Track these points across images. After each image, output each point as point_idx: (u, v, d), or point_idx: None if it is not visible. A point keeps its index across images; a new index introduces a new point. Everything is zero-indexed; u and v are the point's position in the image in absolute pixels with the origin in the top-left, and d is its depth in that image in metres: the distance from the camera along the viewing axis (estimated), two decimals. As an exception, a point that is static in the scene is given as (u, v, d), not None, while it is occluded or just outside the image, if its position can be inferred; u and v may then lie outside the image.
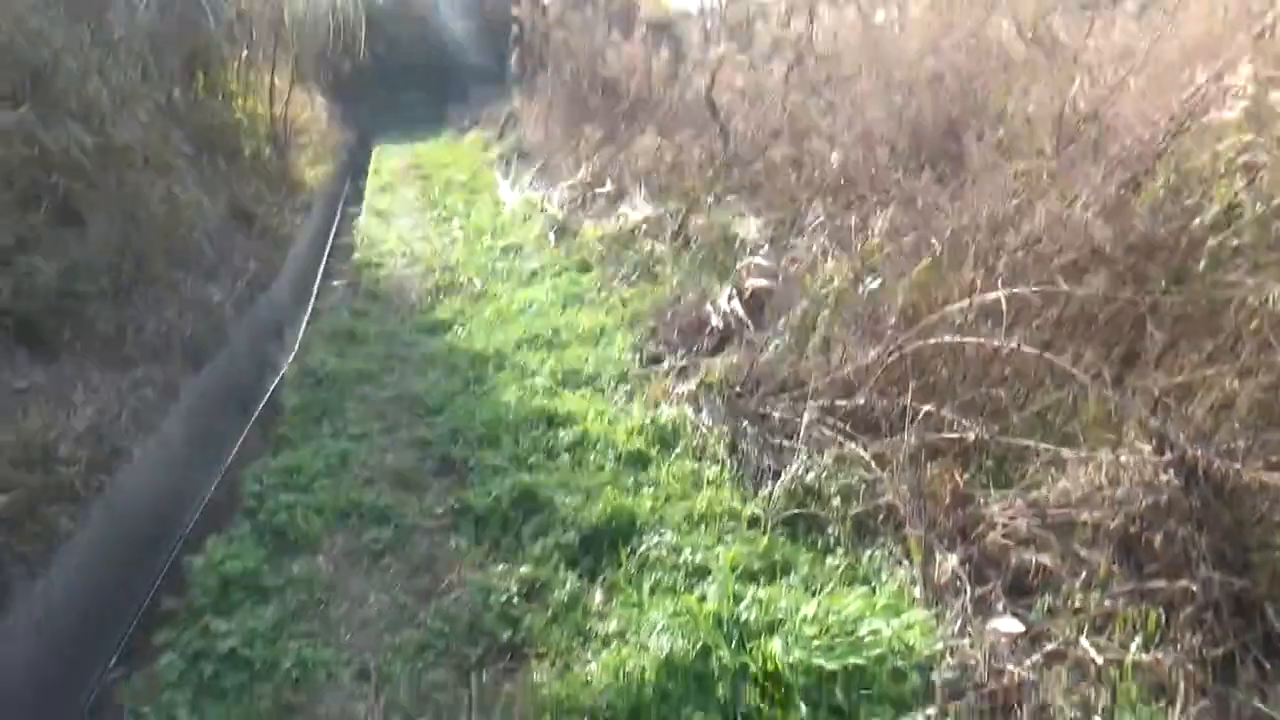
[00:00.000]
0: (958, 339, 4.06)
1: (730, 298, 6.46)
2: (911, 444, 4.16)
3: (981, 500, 3.91)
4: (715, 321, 6.36)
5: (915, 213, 5.11)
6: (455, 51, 22.54)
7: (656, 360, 6.45)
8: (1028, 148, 4.53)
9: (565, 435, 5.43)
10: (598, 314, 7.78)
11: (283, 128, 13.24)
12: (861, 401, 4.66)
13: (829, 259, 5.63)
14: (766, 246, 7.22)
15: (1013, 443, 3.87)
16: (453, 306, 8.26)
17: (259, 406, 6.57)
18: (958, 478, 3.99)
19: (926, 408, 4.18)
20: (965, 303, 4.11)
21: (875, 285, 5.12)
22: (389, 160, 17.15)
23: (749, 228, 7.67)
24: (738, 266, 6.67)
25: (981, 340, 3.88)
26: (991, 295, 4.00)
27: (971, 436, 3.97)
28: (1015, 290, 3.85)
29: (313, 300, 9.58)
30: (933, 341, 4.16)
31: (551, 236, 10.28)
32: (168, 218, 7.55)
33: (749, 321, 6.03)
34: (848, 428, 4.66)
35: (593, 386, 6.35)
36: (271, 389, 6.95)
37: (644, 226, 9.80)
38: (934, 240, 4.63)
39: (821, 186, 7.53)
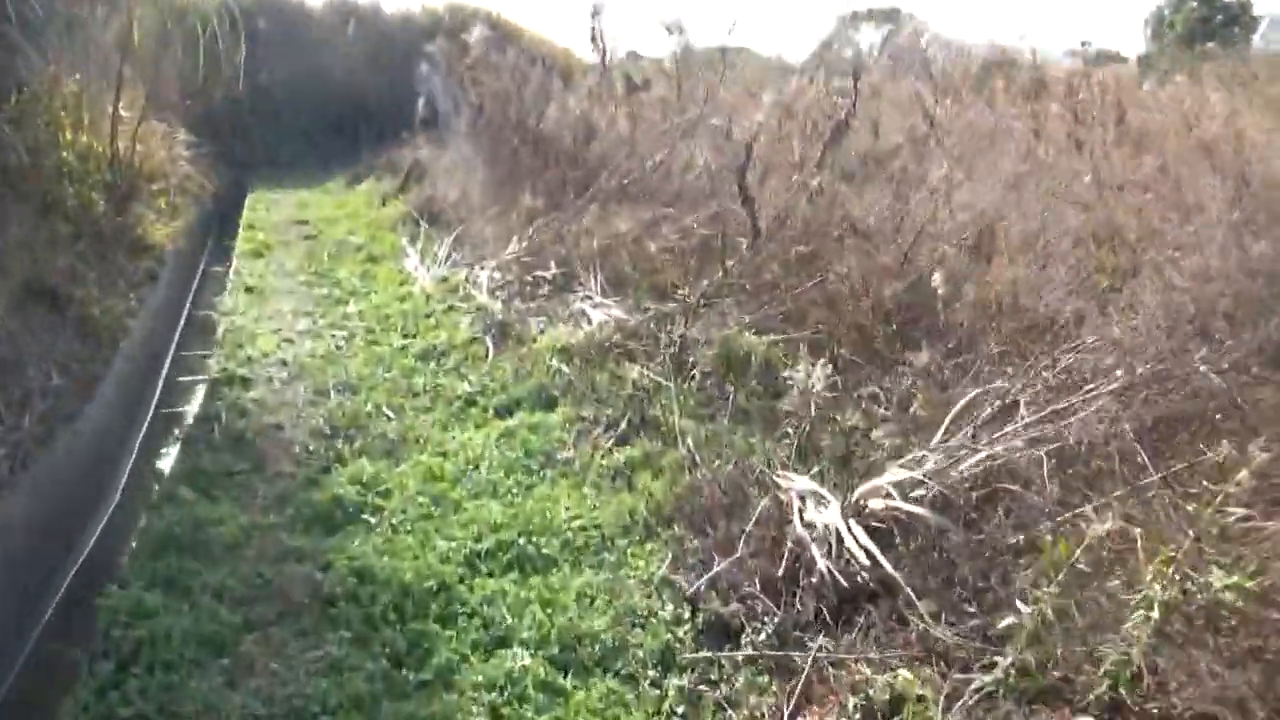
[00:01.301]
0: None
1: (845, 514, 3.82)
2: None
3: None
4: (821, 562, 3.68)
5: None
6: (352, 87, 19.32)
7: (725, 630, 3.71)
8: None
9: None
10: (585, 496, 5.02)
11: (126, 171, 9.96)
12: None
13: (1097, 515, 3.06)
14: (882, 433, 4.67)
15: None
16: (357, 467, 5.30)
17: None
18: None
19: None
20: None
21: (1224, 588, 2.58)
22: (267, 212, 13.89)
23: (812, 374, 5.07)
24: (872, 483, 4.01)
25: None
26: None
27: None
28: None
29: (140, 437, 6.44)
30: None
31: (489, 341, 7.44)
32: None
33: (899, 579, 3.39)
34: None
35: (619, 677, 3.58)
36: (28, 668, 3.89)
37: (615, 336, 7.10)
38: None
39: (953, 329, 5.01)
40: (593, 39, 9.86)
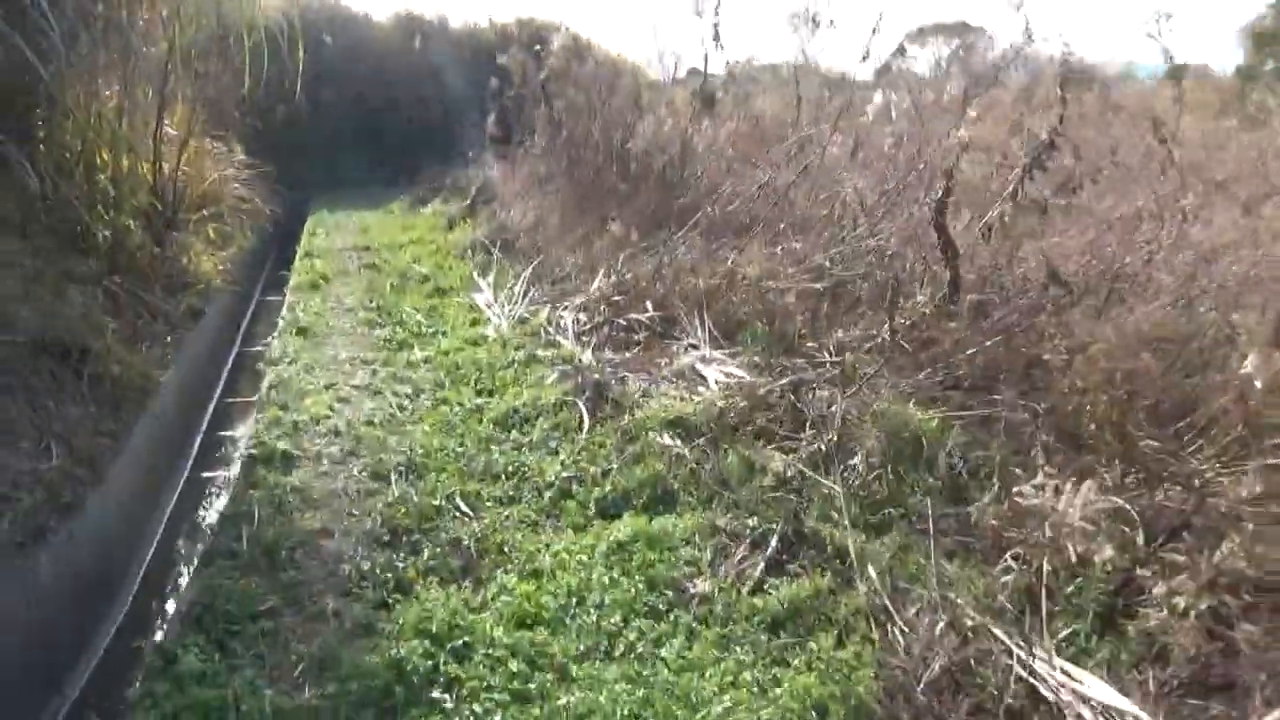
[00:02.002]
0: None
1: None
2: None
3: None
4: None
5: None
6: (418, 104, 18.16)
7: None
8: None
9: None
10: (739, 662, 3.52)
11: (172, 196, 8.77)
12: None
13: None
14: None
15: None
16: (424, 605, 3.87)
17: None
18: None
19: None
20: None
21: None
22: (328, 237, 12.69)
23: (1070, 496, 3.51)
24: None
25: None
26: None
27: None
28: None
29: (160, 529, 5.11)
30: None
31: (583, 406, 5.99)
32: None
33: None
34: None
35: None
36: None
37: (741, 404, 5.61)
38: None
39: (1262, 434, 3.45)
40: (714, 36, 8.34)
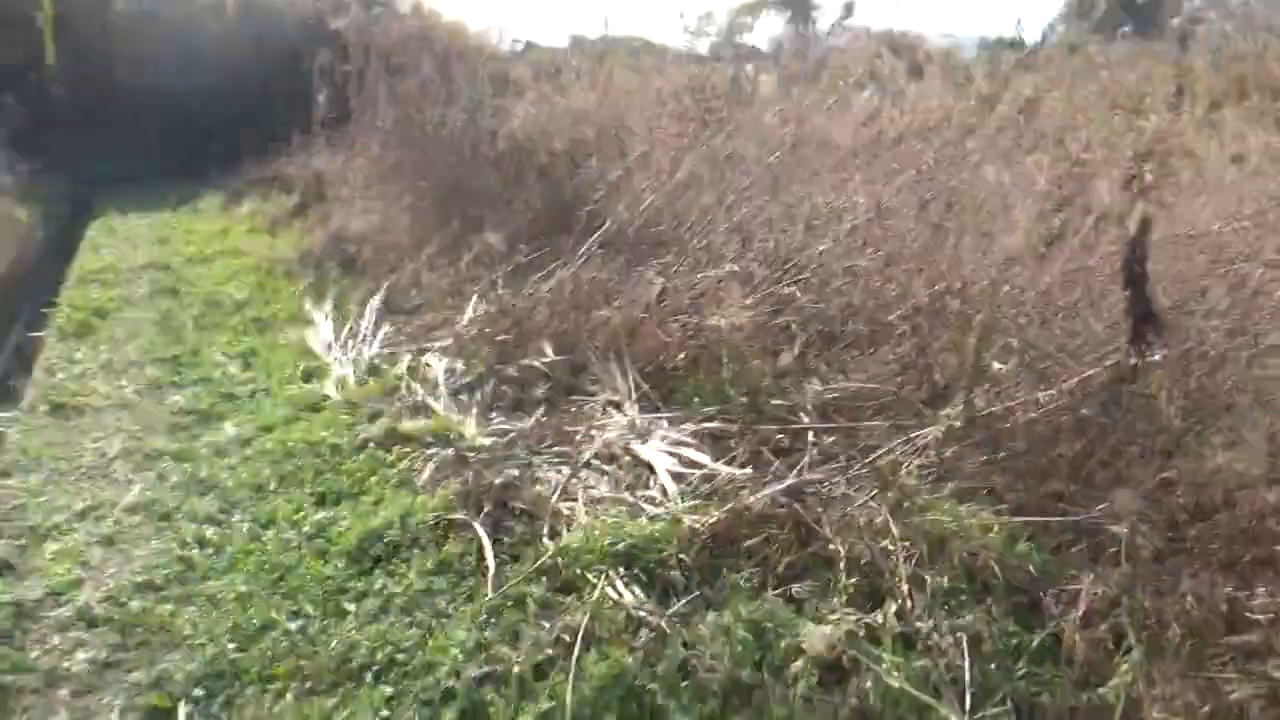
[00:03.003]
0: None
1: None
2: None
3: None
4: None
5: None
6: (233, 80, 14.88)
7: None
8: None
9: None
10: None
11: None
12: None
13: None
14: None
15: None
16: None
17: None
18: None
19: None
20: None
21: None
22: (113, 251, 9.83)
23: None
24: None
25: None
26: None
27: None
28: None
29: None
30: None
31: (480, 530, 3.93)
32: None
33: None
34: None
35: None
36: None
37: (718, 517, 3.72)
38: None
39: None
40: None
